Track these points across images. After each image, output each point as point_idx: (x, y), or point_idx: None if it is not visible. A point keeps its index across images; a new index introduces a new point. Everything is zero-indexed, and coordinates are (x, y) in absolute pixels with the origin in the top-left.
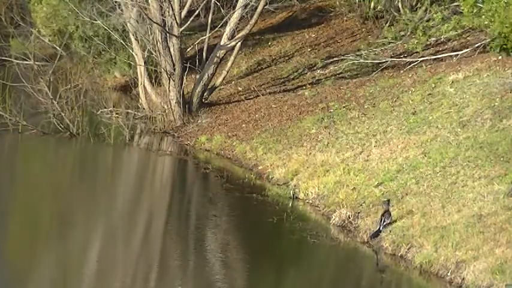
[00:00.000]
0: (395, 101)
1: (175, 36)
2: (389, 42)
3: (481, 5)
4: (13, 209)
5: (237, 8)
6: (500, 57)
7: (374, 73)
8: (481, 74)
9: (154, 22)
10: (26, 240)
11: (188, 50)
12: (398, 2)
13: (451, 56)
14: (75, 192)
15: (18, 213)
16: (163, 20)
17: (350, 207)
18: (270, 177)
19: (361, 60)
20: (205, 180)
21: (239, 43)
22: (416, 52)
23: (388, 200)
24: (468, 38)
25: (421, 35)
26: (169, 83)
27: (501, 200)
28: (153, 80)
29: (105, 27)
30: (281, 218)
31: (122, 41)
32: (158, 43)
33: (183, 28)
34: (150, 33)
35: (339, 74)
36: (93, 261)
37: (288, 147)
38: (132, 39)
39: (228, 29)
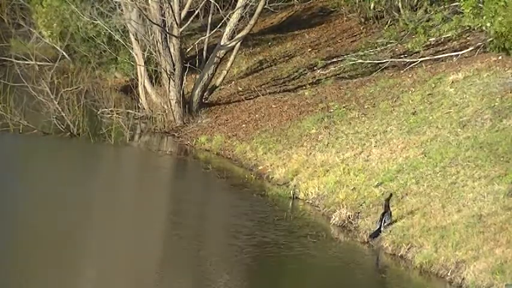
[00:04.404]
0: (395, 101)
1: (175, 36)
2: (390, 43)
3: (481, 5)
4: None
5: (236, 8)
6: (500, 57)
7: (374, 73)
8: (481, 74)
9: (154, 23)
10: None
11: (188, 50)
12: (398, 2)
13: (451, 56)
14: (72, 193)
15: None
16: (163, 20)
17: (350, 207)
18: (270, 177)
19: (361, 60)
20: (205, 180)
21: (239, 43)
22: (416, 52)
23: (389, 198)
24: (468, 38)
25: (422, 32)
26: (169, 83)
27: (501, 200)
28: (153, 80)
29: (106, 28)
30: (281, 217)
31: (122, 42)
32: (158, 43)
33: (182, 28)
34: (150, 33)
35: (339, 74)
36: (94, 260)
37: (288, 147)
38: (132, 39)
39: (227, 29)
